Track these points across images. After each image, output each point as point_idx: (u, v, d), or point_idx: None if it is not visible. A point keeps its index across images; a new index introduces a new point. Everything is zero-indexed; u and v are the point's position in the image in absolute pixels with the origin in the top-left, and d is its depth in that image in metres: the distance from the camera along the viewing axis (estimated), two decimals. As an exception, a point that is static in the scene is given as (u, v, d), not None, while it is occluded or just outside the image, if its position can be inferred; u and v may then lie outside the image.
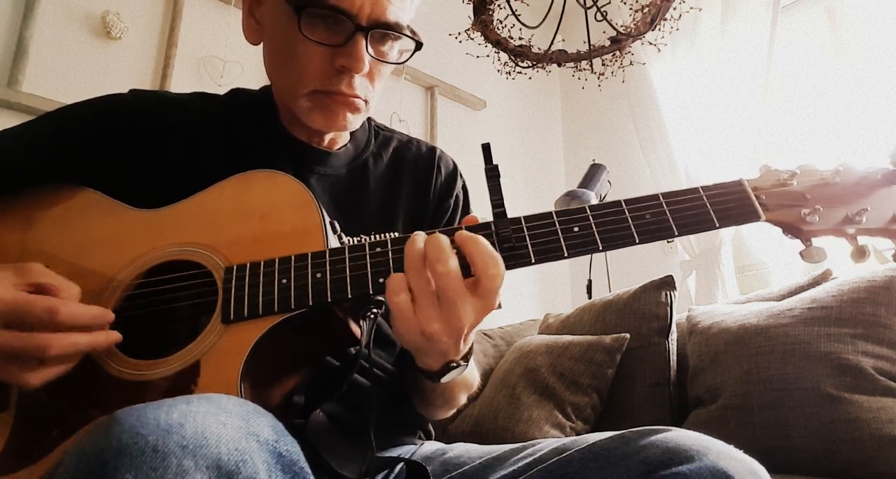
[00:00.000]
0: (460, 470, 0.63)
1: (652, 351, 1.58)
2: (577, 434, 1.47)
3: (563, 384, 1.58)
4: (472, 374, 0.75)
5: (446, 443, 0.76)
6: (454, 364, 0.58)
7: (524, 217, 0.56)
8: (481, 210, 0.55)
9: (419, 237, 0.53)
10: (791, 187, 0.56)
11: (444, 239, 0.52)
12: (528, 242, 0.55)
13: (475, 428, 1.62)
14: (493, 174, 0.56)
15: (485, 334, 2.09)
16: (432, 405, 0.76)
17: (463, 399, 0.76)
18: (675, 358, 1.59)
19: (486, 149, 0.57)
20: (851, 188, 0.55)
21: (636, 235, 0.54)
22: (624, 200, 0.56)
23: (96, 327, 0.55)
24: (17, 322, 0.51)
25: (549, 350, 1.69)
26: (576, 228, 0.55)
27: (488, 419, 1.61)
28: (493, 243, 0.54)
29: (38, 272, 0.56)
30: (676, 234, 0.54)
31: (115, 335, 0.56)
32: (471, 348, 0.61)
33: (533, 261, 0.55)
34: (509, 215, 0.56)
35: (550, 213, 0.56)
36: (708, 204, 0.55)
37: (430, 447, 0.75)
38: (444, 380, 0.59)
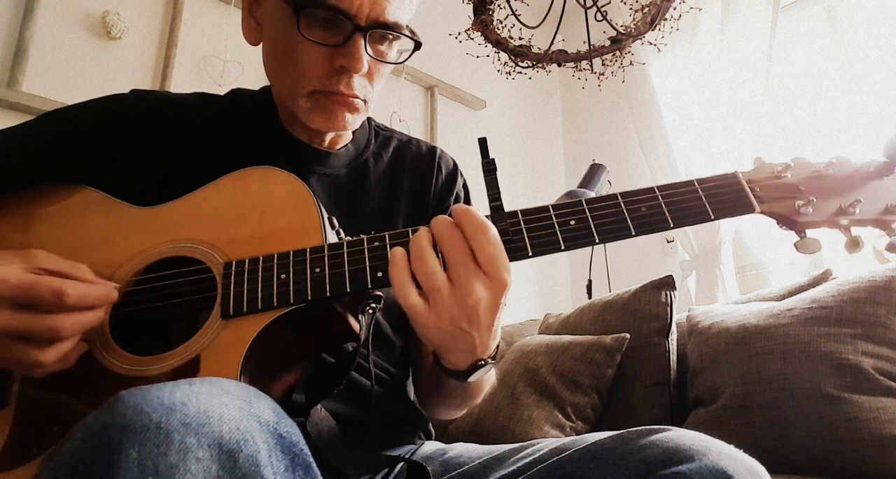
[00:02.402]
0: (460, 470, 0.63)
1: (652, 351, 1.58)
2: (577, 434, 1.47)
3: (563, 384, 1.58)
4: (491, 375, 0.74)
5: (446, 443, 0.76)
6: (481, 362, 0.57)
7: (521, 211, 0.56)
8: (481, 207, 0.55)
9: (422, 228, 0.54)
10: (785, 179, 0.57)
11: (445, 217, 0.54)
12: (525, 235, 0.55)
13: (475, 428, 1.62)
14: (489, 168, 0.56)
15: (485, 334, 2.09)
16: (447, 406, 0.75)
17: (479, 401, 0.76)
18: (675, 358, 1.58)
19: (483, 143, 0.58)
20: (845, 180, 0.56)
21: (632, 228, 0.55)
22: (620, 193, 0.56)
23: (103, 305, 0.55)
24: (26, 304, 0.52)
25: (549, 350, 1.69)
26: (572, 222, 0.55)
27: (488, 419, 1.60)
28: None
29: (44, 258, 0.56)
30: (672, 226, 0.55)
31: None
32: (497, 348, 0.60)
33: (530, 254, 0.55)
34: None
35: (547, 206, 0.56)
36: (703, 196, 0.55)
37: (430, 446, 0.75)
38: (471, 379, 0.59)
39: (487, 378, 0.73)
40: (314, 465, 0.42)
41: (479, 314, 0.52)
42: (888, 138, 0.55)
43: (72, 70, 1.80)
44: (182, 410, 0.37)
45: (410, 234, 0.56)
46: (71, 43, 1.82)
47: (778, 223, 0.57)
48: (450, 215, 0.55)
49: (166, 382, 0.40)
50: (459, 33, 1.89)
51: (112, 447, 0.35)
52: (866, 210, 0.54)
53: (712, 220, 0.55)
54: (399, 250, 0.53)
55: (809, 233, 0.55)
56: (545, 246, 0.55)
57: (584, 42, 1.83)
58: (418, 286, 0.53)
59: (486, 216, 0.56)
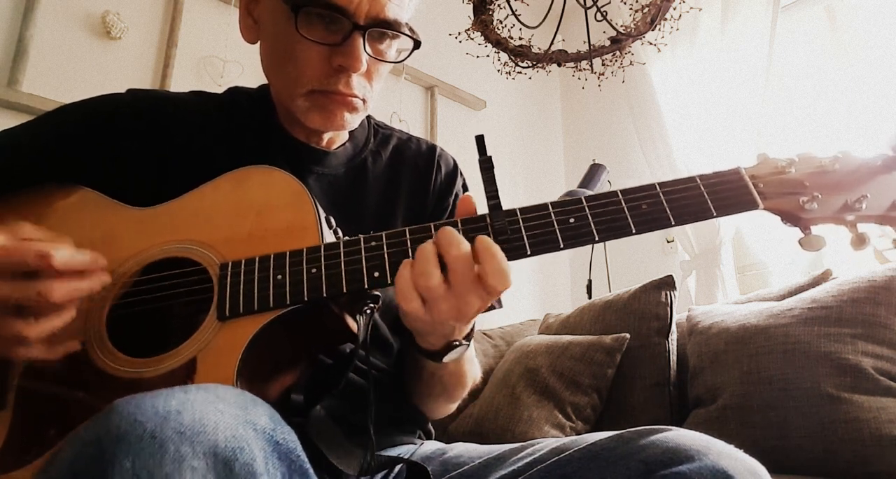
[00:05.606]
0: (460, 470, 0.63)
1: (652, 351, 1.58)
2: (577, 434, 1.46)
3: (563, 384, 1.58)
4: (472, 367, 0.75)
5: (446, 443, 0.76)
6: (456, 343, 0.59)
7: (519, 209, 0.56)
8: (481, 207, 0.55)
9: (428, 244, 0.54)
10: (789, 175, 0.56)
11: (451, 229, 0.54)
12: (524, 233, 0.54)
13: (475, 428, 1.62)
14: (487, 166, 0.55)
15: (485, 334, 2.09)
16: (431, 395, 0.75)
17: (462, 394, 0.76)
18: (675, 358, 1.58)
19: (480, 140, 0.57)
20: (851, 175, 0.54)
21: (633, 225, 0.54)
22: (620, 191, 0.55)
23: (91, 272, 0.55)
24: (12, 271, 0.51)
25: (549, 350, 1.69)
26: (571, 220, 0.54)
27: (488, 419, 1.60)
28: (488, 236, 0.54)
29: (29, 230, 0.56)
30: (673, 223, 0.53)
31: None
32: (472, 329, 0.62)
33: (529, 253, 0.54)
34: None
35: (546, 204, 0.55)
36: (705, 193, 0.54)
37: (430, 446, 0.75)
38: (446, 359, 0.60)
39: (470, 372, 0.74)
40: (311, 471, 0.42)
41: (470, 316, 0.55)
42: (895, 132, 0.54)
43: (72, 70, 1.80)
44: (177, 418, 0.37)
45: (407, 234, 0.56)
46: (71, 43, 1.81)
47: (782, 220, 0.55)
48: (451, 216, 0.54)
49: (161, 389, 0.40)
50: (459, 33, 1.89)
51: (106, 459, 0.35)
52: (873, 206, 0.53)
53: (714, 216, 0.53)
54: (407, 263, 0.54)
55: (814, 229, 0.54)
56: (544, 244, 0.54)
57: (584, 42, 1.83)
58: None
59: (485, 215, 0.56)
